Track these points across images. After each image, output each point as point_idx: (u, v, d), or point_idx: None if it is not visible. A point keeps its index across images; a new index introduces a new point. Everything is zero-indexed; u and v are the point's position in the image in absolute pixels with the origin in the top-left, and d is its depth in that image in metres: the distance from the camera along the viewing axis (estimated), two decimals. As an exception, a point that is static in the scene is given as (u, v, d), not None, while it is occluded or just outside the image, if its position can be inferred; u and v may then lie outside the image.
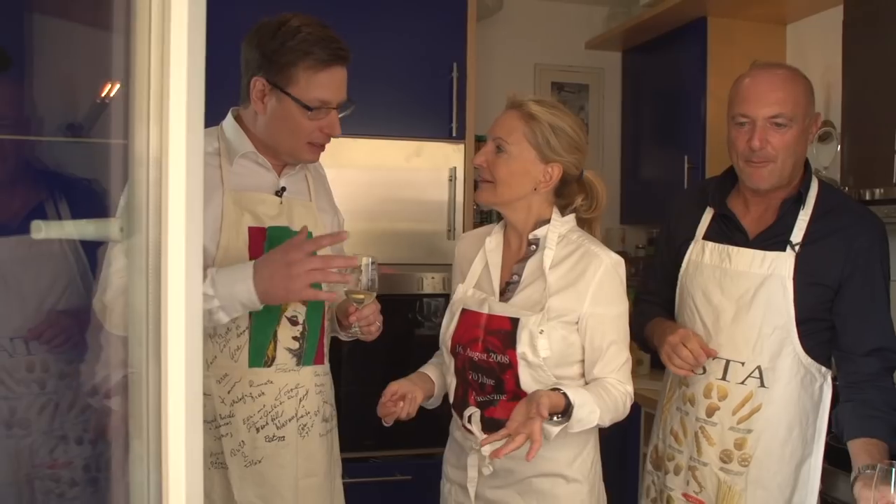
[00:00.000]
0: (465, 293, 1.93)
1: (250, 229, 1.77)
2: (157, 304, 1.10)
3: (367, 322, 1.82)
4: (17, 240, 1.90)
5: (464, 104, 3.38)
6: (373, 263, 1.76)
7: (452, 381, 1.92)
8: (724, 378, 1.89)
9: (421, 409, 1.95)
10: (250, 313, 1.70)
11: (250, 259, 1.71)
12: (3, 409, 1.91)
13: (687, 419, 1.97)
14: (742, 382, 1.87)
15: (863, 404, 1.84)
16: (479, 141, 4.01)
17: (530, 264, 1.86)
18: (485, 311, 1.85)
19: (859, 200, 2.33)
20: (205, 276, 1.61)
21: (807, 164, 1.95)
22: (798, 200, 1.91)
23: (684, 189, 2.21)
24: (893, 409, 1.82)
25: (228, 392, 1.73)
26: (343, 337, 2.00)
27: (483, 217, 4.28)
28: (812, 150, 3.09)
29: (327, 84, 1.75)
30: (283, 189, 1.86)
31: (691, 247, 2.01)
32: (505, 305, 1.83)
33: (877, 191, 2.51)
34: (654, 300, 2.19)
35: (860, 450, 1.80)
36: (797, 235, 1.87)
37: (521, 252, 1.91)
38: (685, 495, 1.97)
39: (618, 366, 1.79)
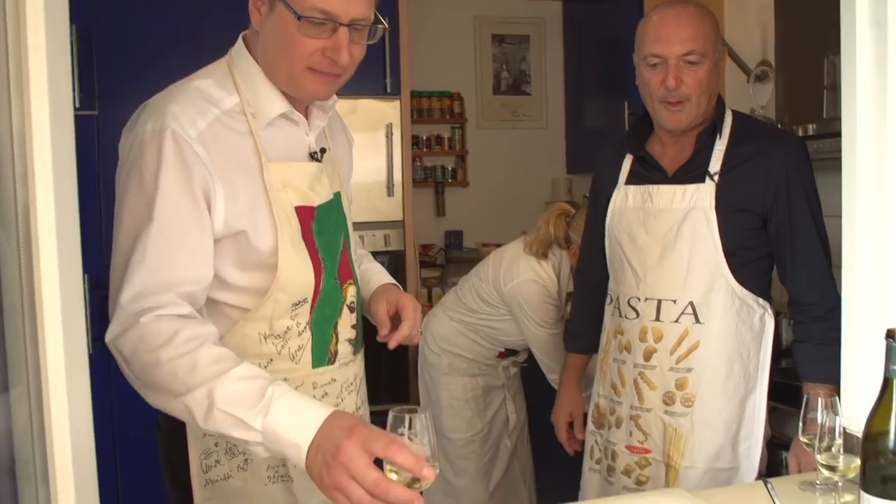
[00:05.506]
0: None
1: (297, 210, 1.43)
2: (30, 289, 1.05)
3: (409, 342, 1.56)
4: None
5: (397, 60, 3.31)
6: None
7: None
8: (657, 319, 1.85)
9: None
10: (313, 306, 1.44)
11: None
12: None
13: (624, 368, 1.92)
14: (676, 321, 1.83)
15: (809, 343, 1.84)
16: (416, 97, 3.98)
17: None
18: None
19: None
20: (260, 397, 1.18)
21: (719, 97, 1.93)
22: (713, 132, 1.88)
23: (606, 145, 2.15)
24: (834, 340, 1.75)
25: None
26: None
27: (427, 173, 4.25)
28: (749, 90, 3.08)
29: None
30: (323, 150, 1.52)
31: (614, 194, 1.98)
32: None
33: (809, 126, 2.50)
34: (586, 284, 2.19)
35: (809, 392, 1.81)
36: (714, 165, 1.83)
37: None
38: (629, 447, 1.92)
39: None
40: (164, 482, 1.55)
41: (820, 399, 1.43)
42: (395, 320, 1.56)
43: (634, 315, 1.90)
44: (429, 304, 3.56)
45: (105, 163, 2.68)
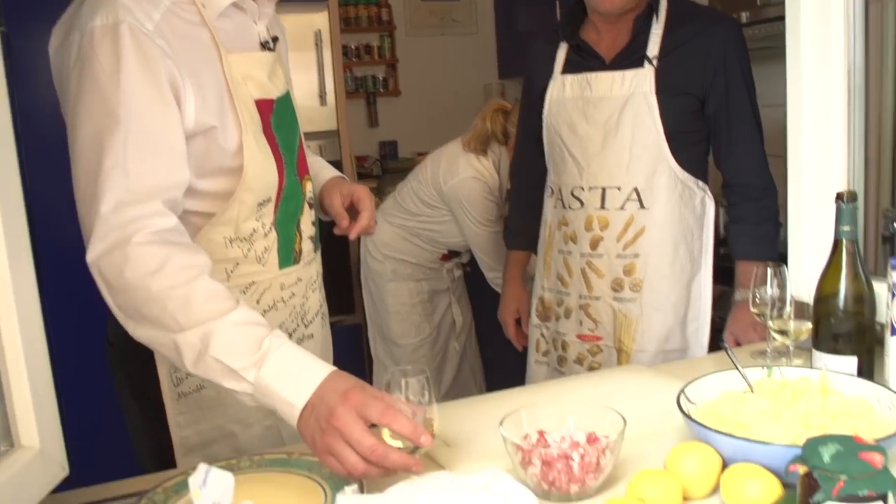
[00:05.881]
0: None
1: (258, 104, 1.34)
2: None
3: (367, 232, 1.54)
4: None
5: (322, -38, 3.20)
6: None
7: None
8: (602, 207, 1.85)
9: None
10: (277, 205, 1.39)
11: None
12: None
13: (571, 258, 1.93)
14: (621, 208, 1.84)
15: (743, 223, 1.88)
16: (342, 5, 3.86)
17: None
18: None
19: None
20: (256, 348, 1.09)
21: None
22: (649, 16, 1.83)
23: (538, 39, 2.10)
24: (767, 219, 1.86)
25: (258, 302, 1.41)
26: None
27: (357, 84, 4.16)
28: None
29: None
30: (275, 39, 1.42)
31: (550, 85, 1.92)
32: None
33: (743, 14, 2.51)
34: (523, 178, 2.17)
35: (743, 272, 1.86)
36: (653, 49, 1.80)
37: None
38: (580, 336, 1.94)
39: None
40: (121, 400, 1.50)
41: (769, 269, 1.46)
42: (350, 212, 1.53)
43: (579, 205, 1.90)
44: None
45: (17, 82, 2.54)
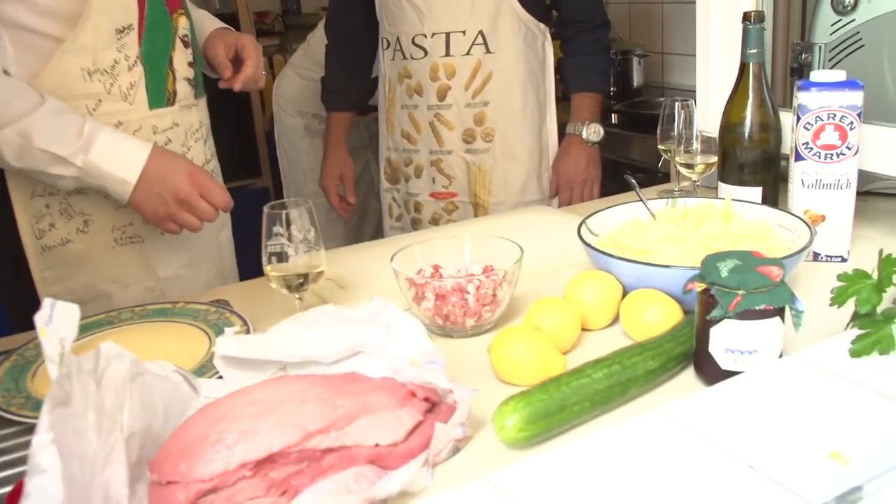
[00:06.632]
0: None
1: None
2: None
3: (254, 83, 1.43)
4: None
5: None
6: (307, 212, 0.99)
7: None
8: (447, 54, 1.75)
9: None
10: (141, 35, 1.26)
11: None
12: None
13: (417, 112, 1.83)
14: (468, 53, 1.74)
15: (576, 55, 1.86)
16: None
17: None
18: None
19: None
20: (78, 134, 1.14)
21: None
22: None
23: None
24: (600, 51, 1.86)
25: None
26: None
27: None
28: None
29: None
30: None
31: None
32: None
33: None
34: (342, 32, 2.01)
35: (576, 104, 1.86)
36: None
37: None
38: (434, 195, 1.87)
39: None
40: None
41: (676, 104, 1.42)
42: (236, 64, 1.40)
43: (422, 54, 1.78)
44: (271, 72, 3.34)
45: None
